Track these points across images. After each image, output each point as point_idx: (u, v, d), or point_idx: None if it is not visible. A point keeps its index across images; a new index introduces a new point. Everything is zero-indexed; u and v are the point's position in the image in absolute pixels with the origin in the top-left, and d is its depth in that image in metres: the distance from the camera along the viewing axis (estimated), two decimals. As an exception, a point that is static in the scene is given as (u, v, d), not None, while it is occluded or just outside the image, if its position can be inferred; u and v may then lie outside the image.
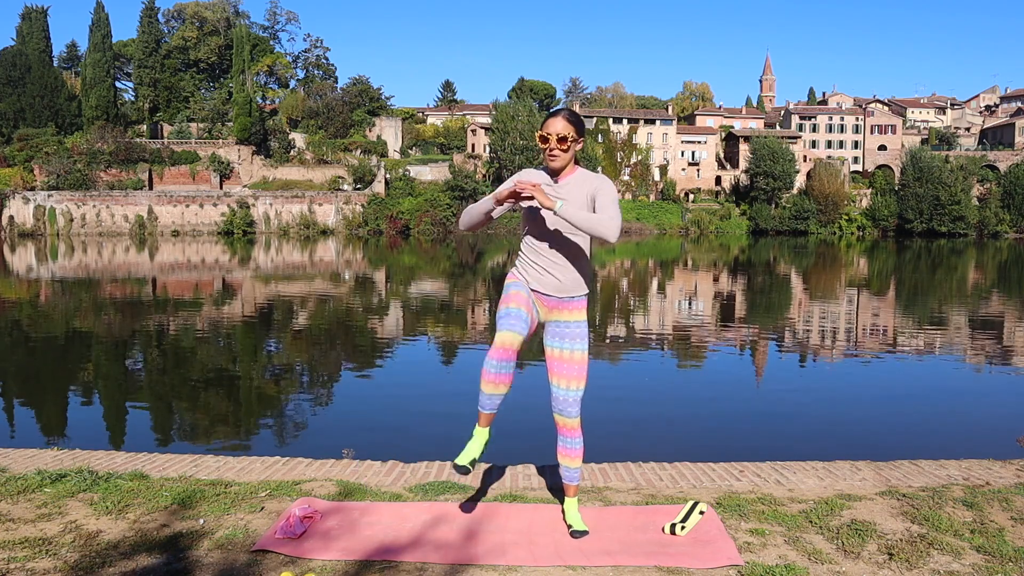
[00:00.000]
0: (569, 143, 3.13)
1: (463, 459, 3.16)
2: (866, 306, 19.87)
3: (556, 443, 3.33)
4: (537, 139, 3.17)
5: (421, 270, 32.34)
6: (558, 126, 3.12)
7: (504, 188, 3.08)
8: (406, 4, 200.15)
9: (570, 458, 3.30)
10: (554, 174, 3.22)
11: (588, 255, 3.26)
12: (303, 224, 63.93)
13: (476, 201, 3.20)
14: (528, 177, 3.23)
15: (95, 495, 3.65)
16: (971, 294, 23.16)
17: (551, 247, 3.20)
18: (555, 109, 3.27)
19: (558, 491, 3.66)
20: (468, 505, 3.57)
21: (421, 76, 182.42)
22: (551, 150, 3.13)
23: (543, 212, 3.15)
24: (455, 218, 59.10)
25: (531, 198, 3.03)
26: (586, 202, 3.13)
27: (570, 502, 3.35)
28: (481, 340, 12.65)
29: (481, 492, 3.80)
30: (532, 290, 3.24)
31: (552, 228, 3.19)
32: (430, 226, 63.65)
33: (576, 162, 3.25)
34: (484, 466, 4.24)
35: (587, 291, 3.29)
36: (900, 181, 72.35)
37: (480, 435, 3.24)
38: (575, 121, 3.16)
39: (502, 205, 3.10)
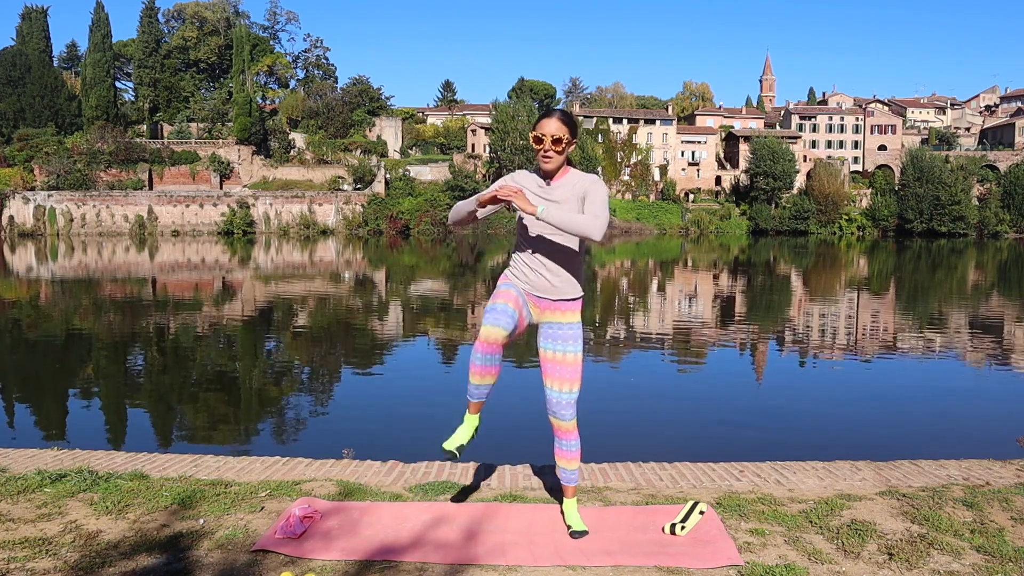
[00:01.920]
0: (563, 145, 3.08)
1: (451, 444, 3.25)
2: (866, 306, 19.86)
3: (553, 445, 3.33)
4: (531, 139, 3.11)
5: (421, 270, 32.32)
6: (552, 127, 3.06)
7: (488, 192, 3.05)
8: (406, 4, 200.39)
9: (567, 460, 3.30)
10: (547, 176, 3.17)
11: (581, 257, 3.24)
12: (303, 224, 63.92)
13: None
14: (520, 179, 3.19)
15: (95, 495, 3.65)
16: (971, 294, 23.15)
17: (541, 249, 3.18)
18: (549, 109, 3.20)
19: (557, 491, 3.65)
20: (468, 505, 3.57)
21: (421, 76, 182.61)
22: (545, 151, 3.08)
23: (527, 217, 3.11)
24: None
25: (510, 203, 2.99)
26: (578, 204, 3.10)
27: (569, 503, 3.35)
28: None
29: (481, 492, 3.80)
30: (525, 291, 3.23)
31: (539, 231, 3.17)
32: (430, 226, 63.61)
33: (570, 163, 3.21)
34: (483, 466, 4.24)
35: (581, 293, 3.27)
36: (900, 181, 72.33)
37: (470, 421, 3.31)
38: (569, 122, 3.10)
39: (485, 208, 3.08)
